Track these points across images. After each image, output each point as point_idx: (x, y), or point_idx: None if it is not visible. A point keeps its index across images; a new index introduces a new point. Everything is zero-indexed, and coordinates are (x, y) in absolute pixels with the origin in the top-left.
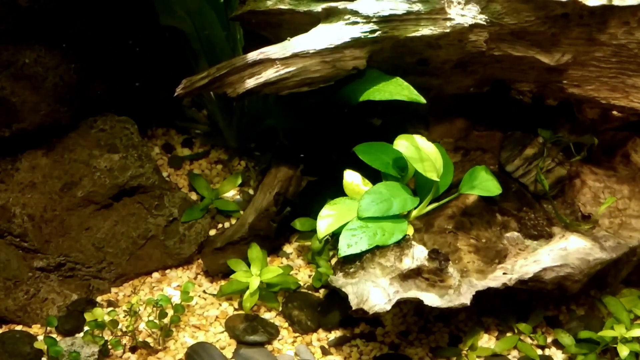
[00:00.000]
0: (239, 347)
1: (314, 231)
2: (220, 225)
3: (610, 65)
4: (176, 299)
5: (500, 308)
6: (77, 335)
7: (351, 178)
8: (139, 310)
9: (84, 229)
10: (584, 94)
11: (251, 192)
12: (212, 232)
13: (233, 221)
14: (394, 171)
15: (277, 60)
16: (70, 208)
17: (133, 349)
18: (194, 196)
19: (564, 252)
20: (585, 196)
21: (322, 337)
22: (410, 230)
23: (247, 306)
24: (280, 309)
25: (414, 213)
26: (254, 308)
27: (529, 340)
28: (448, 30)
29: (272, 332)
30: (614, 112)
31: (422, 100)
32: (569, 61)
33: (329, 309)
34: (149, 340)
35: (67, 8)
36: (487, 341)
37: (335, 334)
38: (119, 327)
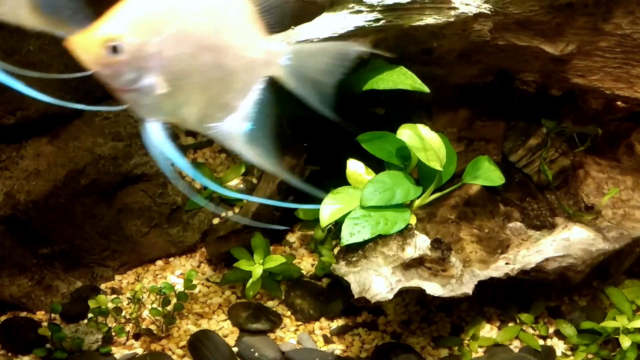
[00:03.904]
0: (241, 335)
1: (317, 220)
2: (223, 214)
3: (614, 55)
4: (179, 286)
5: (502, 298)
6: (81, 322)
7: (354, 167)
8: (143, 297)
9: (88, 217)
10: (588, 84)
11: (254, 181)
12: (216, 221)
13: (236, 210)
14: (397, 160)
15: None
16: (74, 196)
17: (136, 336)
18: (197, 185)
19: (566, 242)
20: (588, 187)
21: (325, 325)
22: (413, 220)
23: (250, 294)
24: (283, 297)
25: (417, 202)
26: (256, 296)
27: (530, 331)
28: (452, 20)
29: (275, 321)
30: (618, 103)
31: (426, 89)
32: (573, 51)
33: (331, 297)
34: (153, 327)
35: None
36: (489, 331)
37: (337, 323)
38: (123, 314)
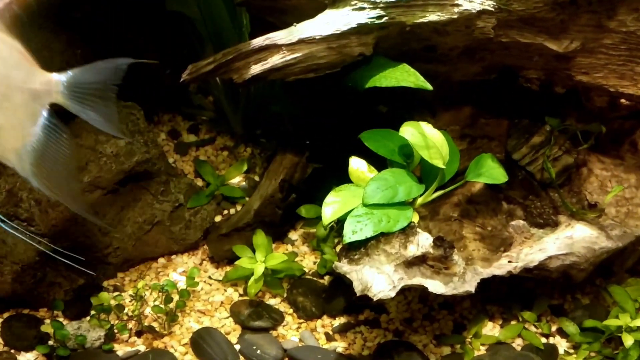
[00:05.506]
0: (243, 332)
1: (319, 218)
2: (225, 212)
3: (619, 53)
4: (182, 284)
5: (504, 296)
6: (83, 319)
7: (357, 165)
8: (145, 295)
9: (90, 214)
10: (592, 81)
11: (257, 178)
12: (218, 219)
13: (238, 207)
14: (399, 158)
15: (283, 46)
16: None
17: (139, 334)
18: (199, 182)
19: (569, 240)
20: (592, 185)
21: (327, 323)
22: (415, 218)
23: (252, 292)
24: (285, 295)
25: (420, 200)
26: (258, 294)
27: (533, 329)
28: (456, 17)
29: (277, 318)
30: (622, 100)
31: (429, 87)
32: (577, 48)
33: (333, 295)
34: (155, 324)
35: None
36: (491, 329)
37: (339, 321)
38: (125, 311)
